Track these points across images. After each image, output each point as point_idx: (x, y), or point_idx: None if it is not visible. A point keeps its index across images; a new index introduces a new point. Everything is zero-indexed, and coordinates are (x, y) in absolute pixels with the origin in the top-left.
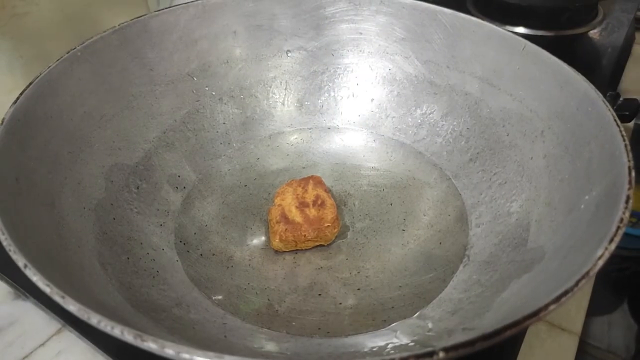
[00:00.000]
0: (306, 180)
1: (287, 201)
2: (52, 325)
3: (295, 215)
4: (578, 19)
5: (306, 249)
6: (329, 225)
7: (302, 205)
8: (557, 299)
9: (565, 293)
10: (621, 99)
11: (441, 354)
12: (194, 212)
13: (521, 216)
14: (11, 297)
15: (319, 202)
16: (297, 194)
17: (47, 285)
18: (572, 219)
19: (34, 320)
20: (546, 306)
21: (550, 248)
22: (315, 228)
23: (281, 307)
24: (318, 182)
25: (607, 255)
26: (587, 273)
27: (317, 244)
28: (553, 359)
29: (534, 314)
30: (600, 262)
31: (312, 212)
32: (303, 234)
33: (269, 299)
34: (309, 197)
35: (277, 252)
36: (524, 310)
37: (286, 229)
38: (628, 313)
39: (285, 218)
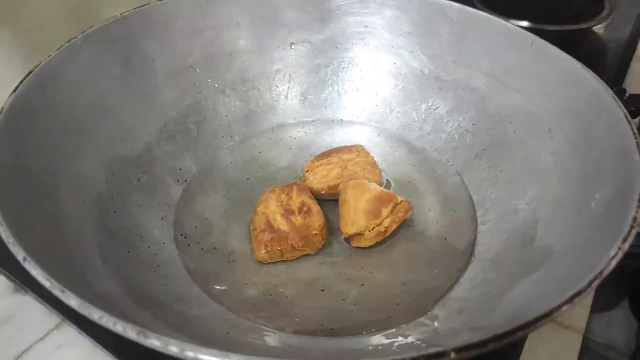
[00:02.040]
0: (290, 186)
1: (271, 209)
2: (52, 319)
3: (281, 223)
4: (584, 14)
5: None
6: (316, 233)
7: (287, 212)
8: (570, 299)
9: (579, 293)
10: (627, 94)
11: (452, 355)
12: (195, 205)
13: (528, 214)
14: (11, 291)
15: (305, 209)
16: (282, 201)
17: (47, 280)
18: (581, 217)
19: (34, 314)
20: (559, 306)
21: (559, 247)
22: (302, 236)
23: (283, 303)
24: (302, 188)
25: (620, 255)
26: (601, 273)
27: (304, 253)
28: (556, 357)
29: (547, 315)
30: (614, 262)
31: (298, 219)
32: (290, 242)
33: (270, 295)
34: (294, 204)
35: None
36: (532, 309)
37: (271, 238)
38: (628, 310)
39: (270, 226)
